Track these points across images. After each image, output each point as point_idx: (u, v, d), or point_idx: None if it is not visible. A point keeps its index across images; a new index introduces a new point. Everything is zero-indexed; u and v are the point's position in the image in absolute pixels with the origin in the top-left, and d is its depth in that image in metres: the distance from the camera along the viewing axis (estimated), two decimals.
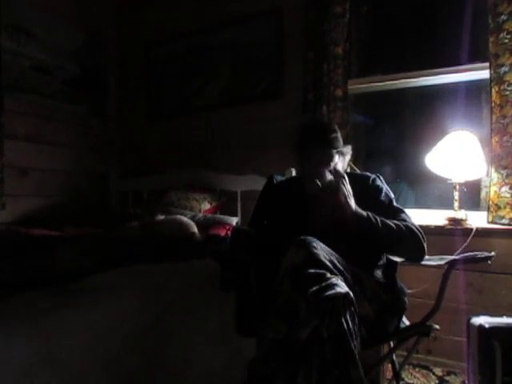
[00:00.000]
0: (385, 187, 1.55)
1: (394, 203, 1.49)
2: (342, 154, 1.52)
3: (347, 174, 1.53)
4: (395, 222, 1.36)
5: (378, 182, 1.54)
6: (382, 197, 1.48)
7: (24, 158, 2.54)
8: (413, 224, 1.38)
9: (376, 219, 1.34)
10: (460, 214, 2.00)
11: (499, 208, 1.89)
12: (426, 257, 1.49)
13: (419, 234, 1.36)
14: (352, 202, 1.34)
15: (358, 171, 1.73)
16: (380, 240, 1.35)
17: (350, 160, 1.69)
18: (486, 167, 1.95)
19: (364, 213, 1.35)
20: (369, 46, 2.68)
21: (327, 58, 2.27)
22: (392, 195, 1.58)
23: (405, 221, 1.39)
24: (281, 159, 2.44)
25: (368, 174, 1.60)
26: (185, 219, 2.19)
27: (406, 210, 1.48)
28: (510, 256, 1.91)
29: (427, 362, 2.05)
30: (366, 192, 1.46)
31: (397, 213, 1.43)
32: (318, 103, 2.29)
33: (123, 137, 3.22)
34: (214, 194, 2.64)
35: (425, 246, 1.36)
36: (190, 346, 1.51)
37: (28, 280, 1.36)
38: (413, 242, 1.35)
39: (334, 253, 1.19)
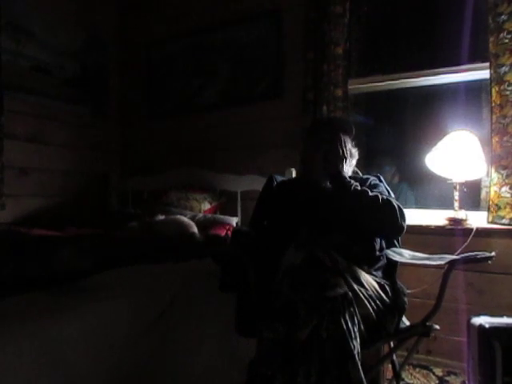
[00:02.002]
0: (384, 185, 1.56)
1: (385, 193, 1.51)
2: (351, 155, 1.55)
3: (349, 178, 1.55)
4: (375, 193, 1.41)
5: (376, 182, 1.57)
6: (375, 190, 1.50)
7: (24, 158, 2.54)
8: (395, 201, 1.40)
9: (353, 184, 1.41)
10: (460, 214, 2.00)
11: (499, 208, 1.88)
12: (426, 255, 1.49)
13: (396, 207, 1.37)
14: (340, 165, 1.46)
15: (360, 173, 1.74)
16: (353, 202, 1.40)
17: None
18: (486, 167, 1.94)
19: (346, 176, 1.45)
20: (369, 46, 2.68)
21: (327, 57, 2.27)
22: (392, 195, 1.58)
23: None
24: (281, 159, 2.45)
25: (368, 176, 1.62)
26: (185, 219, 2.19)
27: (404, 211, 1.48)
28: (510, 256, 1.91)
29: (427, 362, 2.05)
30: None
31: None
32: (318, 103, 2.29)
33: (123, 137, 3.22)
34: (214, 194, 2.64)
35: (400, 220, 1.37)
36: (189, 345, 1.51)
37: (28, 280, 1.36)
38: (386, 211, 1.37)
39: (333, 253, 1.19)
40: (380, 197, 1.39)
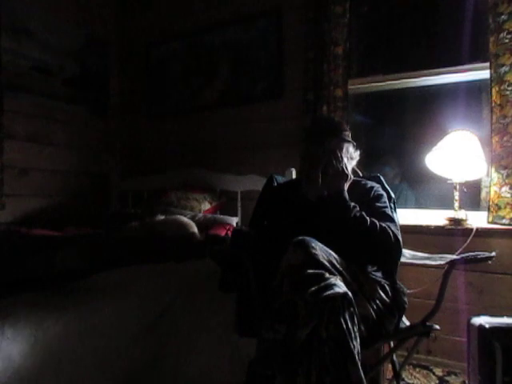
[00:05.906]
0: (385, 193, 1.52)
1: (388, 211, 1.44)
2: (350, 157, 1.52)
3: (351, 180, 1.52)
4: (374, 220, 1.33)
5: (380, 191, 1.51)
6: (378, 203, 1.45)
7: (24, 158, 2.54)
8: (392, 231, 1.31)
9: (353, 208, 1.34)
10: (460, 214, 2.00)
11: (499, 208, 1.88)
12: (426, 255, 1.49)
13: (392, 241, 1.29)
14: (343, 184, 1.38)
15: (360, 174, 1.72)
16: (348, 228, 1.32)
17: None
18: (486, 167, 1.94)
19: (347, 198, 1.36)
20: (369, 46, 2.68)
21: (327, 57, 2.27)
22: (393, 195, 1.57)
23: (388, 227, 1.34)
24: (281, 159, 2.45)
25: (373, 184, 1.56)
26: (185, 219, 2.19)
27: (404, 211, 1.45)
28: (510, 256, 1.91)
29: (427, 362, 2.05)
30: (365, 201, 1.43)
31: (384, 218, 1.37)
32: (318, 103, 2.29)
33: (123, 137, 3.22)
34: (214, 194, 2.64)
35: (393, 252, 1.31)
36: (190, 345, 1.51)
37: (28, 280, 1.36)
38: (380, 241, 1.29)
39: (332, 253, 1.19)
40: (378, 228, 1.29)
